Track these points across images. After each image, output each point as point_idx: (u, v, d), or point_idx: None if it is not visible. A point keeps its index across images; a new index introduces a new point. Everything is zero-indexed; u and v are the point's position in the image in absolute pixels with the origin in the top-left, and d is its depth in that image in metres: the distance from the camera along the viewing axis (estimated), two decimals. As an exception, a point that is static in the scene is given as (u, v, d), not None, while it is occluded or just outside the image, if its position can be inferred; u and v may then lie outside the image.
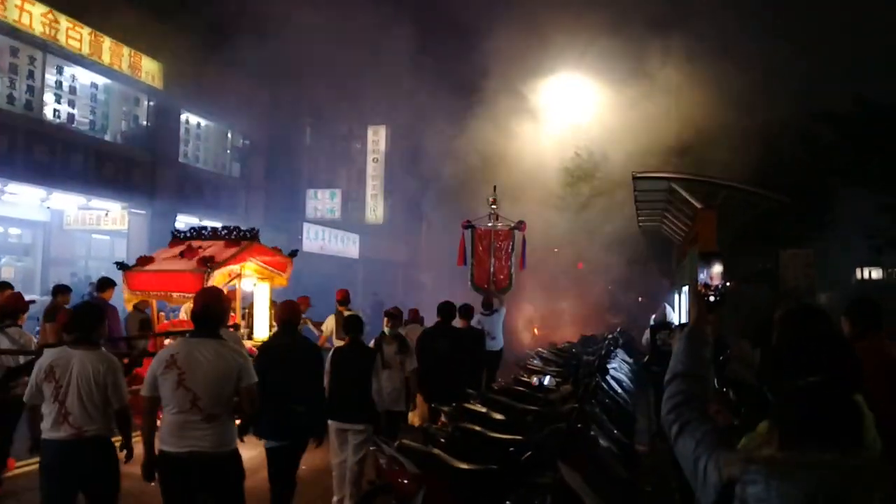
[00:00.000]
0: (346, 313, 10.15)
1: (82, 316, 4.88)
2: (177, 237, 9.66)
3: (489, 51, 23.53)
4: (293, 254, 10.34)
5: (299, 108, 28.42)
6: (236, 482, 4.48)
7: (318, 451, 7.53)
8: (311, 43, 26.35)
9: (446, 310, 8.11)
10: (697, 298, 2.60)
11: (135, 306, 9.53)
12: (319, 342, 9.27)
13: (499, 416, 6.27)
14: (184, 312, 8.65)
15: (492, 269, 13.03)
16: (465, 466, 4.53)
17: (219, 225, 22.23)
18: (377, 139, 33.04)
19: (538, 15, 23.80)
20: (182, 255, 8.86)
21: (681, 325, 12.22)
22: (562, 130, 22.79)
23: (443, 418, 6.14)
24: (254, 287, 10.28)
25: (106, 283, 9.78)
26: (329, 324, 10.18)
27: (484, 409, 6.45)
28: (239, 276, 9.44)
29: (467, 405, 6.53)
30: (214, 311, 4.52)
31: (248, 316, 10.11)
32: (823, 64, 16.90)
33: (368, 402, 6.27)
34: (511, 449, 5.02)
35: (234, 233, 9.27)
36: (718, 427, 2.20)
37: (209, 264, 8.27)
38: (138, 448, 4.70)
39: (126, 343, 8.74)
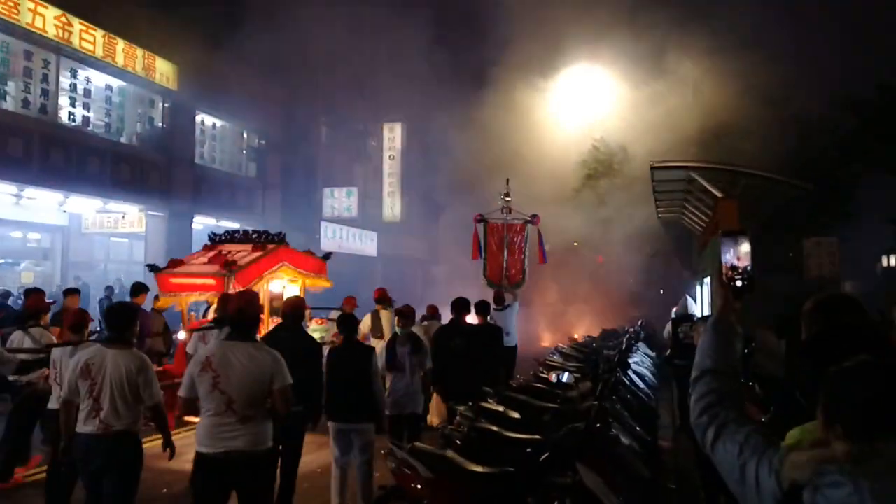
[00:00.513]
0: (383, 312, 10.40)
1: (116, 316, 4.99)
2: (211, 241, 10.07)
3: (504, 44, 23.35)
4: (326, 256, 10.72)
5: (315, 107, 28.35)
6: (269, 482, 4.63)
7: (318, 453, 7.46)
8: (325, 41, 26.30)
9: (460, 306, 7.89)
10: (722, 284, 2.33)
11: (155, 309, 9.95)
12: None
13: (516, 415, 6.09)
14: (212, 312, 8.73)
15: (504, 264, 12.80)
16: (479, 469, 4.35)
17: (236, 226, 22.34)
18: (393, 136, 32.94)
19: (554, 7, 23.57)
20: (210, 260, 9.26)
21: (703, 318, 11.97)
22: (580, 123, 22.54)
23: (459, 418, 5.96)
24: (283, 289, 10.41)
25: (139, 289, 9.97)
26: (366, 322, 10.21)
27: (501, 408, 6.27)
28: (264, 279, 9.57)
29: (484, 404, 6.35)
30: (249, 314, 4.64)
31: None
32: (845, 51, 16.51)
33: (368, 401, 6.08)
34: (528, 450, 4.84)
35: (263, 237, 9.68)
36: (761, 426, 1.96)
37: (231, 268, 8.62)
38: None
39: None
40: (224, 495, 4.40)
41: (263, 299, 9.76)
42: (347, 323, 6.58)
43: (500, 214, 13.09)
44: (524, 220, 12.96)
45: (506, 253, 12.79)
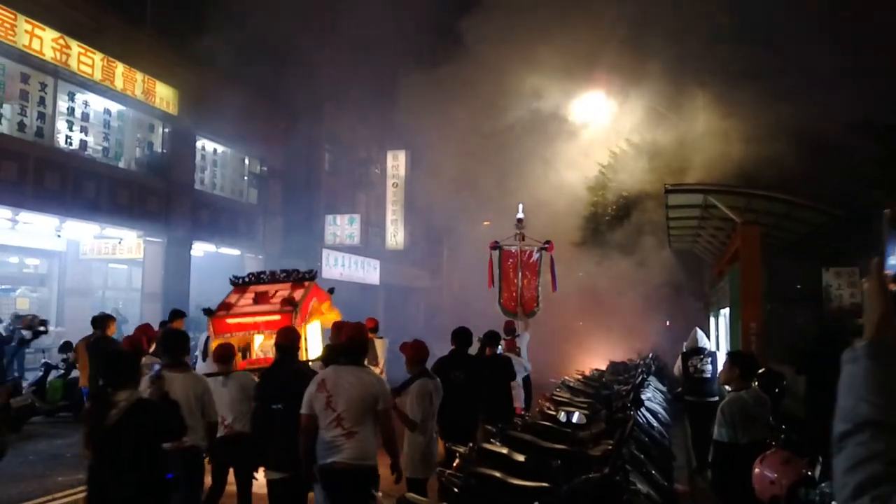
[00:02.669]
0: (377, 340, 10.12)
1: (174, 341, 5.67)
2: (236, 283, 9.82)
3: (509, 71, 23.07)
4: (331, 291, 10.39)
5: (317, 134, 28.11)
6: (370, 494, 4.90)
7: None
8: (328, 68, 26.13)
9: (461, 337, 7.34)
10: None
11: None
12: None
13: (521, 458, 5.53)
14: (260, 350, 8.76)
15: (519, 292, 12.51)
16: (479, 526, 3.81)
17: (237, 252, 21.90)
18: (397, 164, 32.68)
19: (559, 32, 23.32)
20: (256, 300, 9.13)
21: (708, 352, 11.38)
22: (586, 150, 22.17)
23: (458, 461, 5.41)
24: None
25: (177, 314, 10.63)
26: None
27: (505, 450, 5.72)
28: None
29: (486, 445, 5.80)
30: (358, 342, 5.22)
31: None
32: (861, 72, 16.12)
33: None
34: (535, 503, 4.29)
35: (294, 275, 9.62)
36: None
37: (293, 304, 8.63)
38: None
39: None
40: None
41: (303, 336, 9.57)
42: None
43: (514, 241, 12.79)
44: (538, 247, 12.67)
45: (520, 280, 12.52)
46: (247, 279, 9.83)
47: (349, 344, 5.19)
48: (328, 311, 10.02)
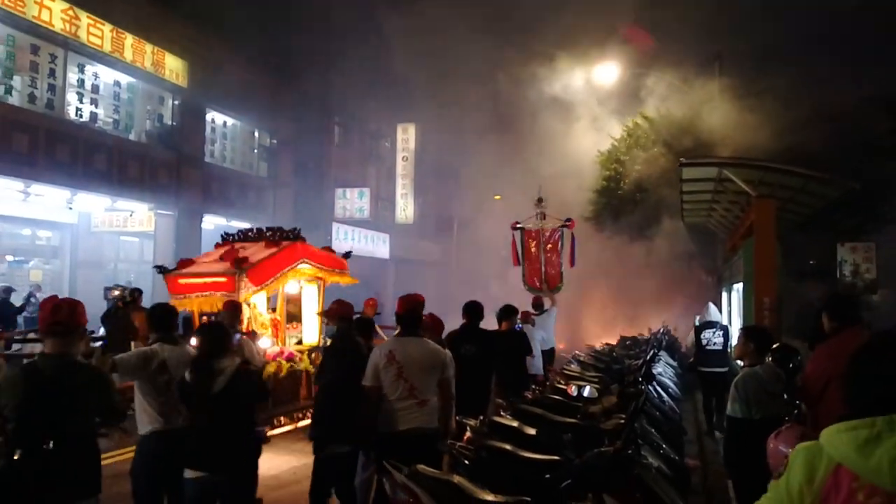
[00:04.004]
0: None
1: (161, 315, 5.17)
2: (225, 239, 9.76)
3: (521, 41, 22.83)
4: (347, 255, 10.39)
5: (327, 106, 27.95)
6: (438, 454, 5.11)
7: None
8: (339, 40, 25.90)
9: (472, 310, 7.30)
10: None
11: None
12: None
13: (532, 431, 5.51)
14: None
15: (543, 269, 12.75)
16: (490, 498, 3.78)
17: (247, 225, 21.98)
18: (406, 137, 32.52)
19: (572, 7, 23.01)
20: (222, 257, 8.89)
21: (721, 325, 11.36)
22: (602, 123, 21.95)
23: (468, 433, 5.39)
24: (300, 290, 10.11)
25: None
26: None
27: (515, 423, 5.69)
28: (282, 277, 9.18)
29: (497, 418, 5.78)
30: (418, 314, 5.37)
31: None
32: (878, 44, 15.82)
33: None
34: (547, 475, 4.26)
35: (277, 234, 9.34)
36: None
37: (242, 265, 8.26)
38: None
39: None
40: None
41: (279, 301, 9.44)
42: (365, 327, 6.38)
43: (535, 220, 13.03)
44: (559, 225, 12.92)
45: (543, 258, 12.79)
46: (234, 236, 9.77)
47: (409, 315, 5.31)
48: (334, 276, 10.02)
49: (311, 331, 10.18)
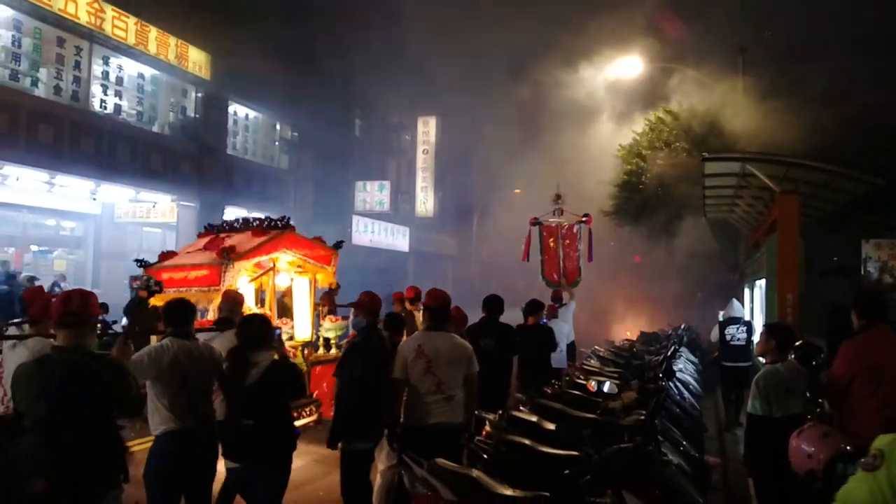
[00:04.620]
0: (416, 313, 9.37)
1: (177, 309, 4.87)
2: (208, 230, 8.99)
3: (542, 34, 22.71)
4: (338, 245, 9.53)
5: (348, 99, 28.01)
6: (461, 448, 5.10)
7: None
8: (360, 33, 25.93)
9: (491, 304, 7.29)
10: None
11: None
12: None
13: (551, 426, 5.50)
14: (212, 312, 7.69)
15: (561, 263, 12.85)
16: (509, 493, 3.78)
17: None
18: (427, 130, 32.53)
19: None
20: (206, 247, 8.19)
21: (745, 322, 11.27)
22: (621, 117, 21.80)
23: (487, 427, 5.39)
24: (291, 282, 9.41)
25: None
26: None
27: (535, 418, 5.69)
28: (271, 269, 8.66)
29: (515, 413, 5.78)
30: (446, 309, 5.39)
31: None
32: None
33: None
34: (566, 470, 4.25)
35: (265, 222, 8.59)
36: None
37: (229, 255, 7.57)
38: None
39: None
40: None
41: (268, 294, 8.77)
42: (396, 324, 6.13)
43: (553, 216, 13.07)
44: (577, 221, 12.98)
45: (561, 253, 12.90)
46: (218, 227, 9.00)
47: (440, 310, 5.33)
48: (316, 270, 9.16)
49: (304, 326, 9.33)
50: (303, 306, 9.36)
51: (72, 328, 3.61)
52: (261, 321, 4.80)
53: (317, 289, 9.51)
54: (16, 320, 6.22)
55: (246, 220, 8.90)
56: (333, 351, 9.59)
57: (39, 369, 3.54)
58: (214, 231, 8.85)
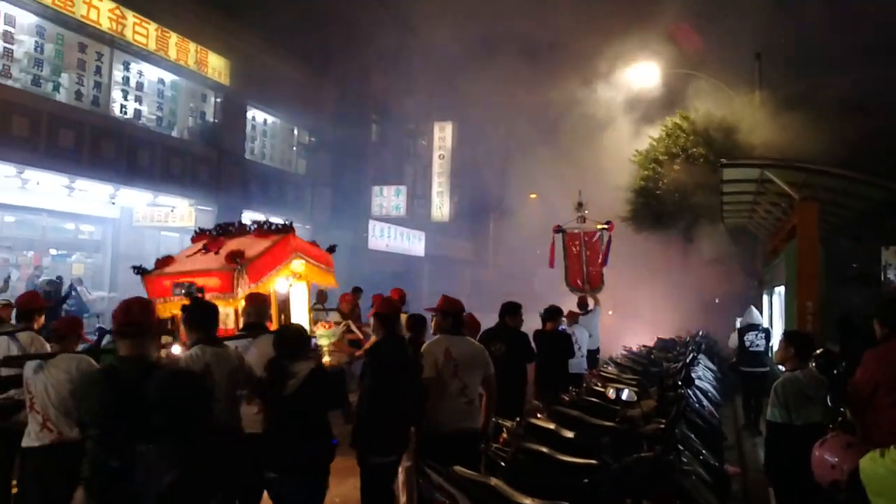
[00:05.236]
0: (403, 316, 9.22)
1: (203, 314, 4.74)
2: (200, 234, 8.18)
3: (561, 41, 22.70)
4: (331, 249, 8.89)
5: (365, 105, 28.09)
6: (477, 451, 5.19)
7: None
8: (377, 39, 26.03)
9: (505, 310, 7.31)
10: None
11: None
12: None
13: (569, 434, 5.48)
14: (231, 320, 7.14)
15: (585, 269, 13.15)
16: (528, 502, 3.77)
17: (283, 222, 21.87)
18: (443, 135, 32.58)
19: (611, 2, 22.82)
20: (206, 250, 7.62)
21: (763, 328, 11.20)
22: (637, 122, 21.73)
23: (505, 435, 5.39)
24: (289, 287, 8.58)
25: None
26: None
27: (552, 426, 5.67)
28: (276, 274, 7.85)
29: (533, 420, 5.77)
30: (462, 315, 5.49)
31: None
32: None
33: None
34: (585, 479, 4.24)
35: (265, 225, 7.99)
36: None
37: (239, 260, 7.02)
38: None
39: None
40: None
41: (273, 300, 7.86)
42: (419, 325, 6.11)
43: (576, 223, 13.36)
44: (599, 227, 13.29)
45: (585, 258, 13.19)
46: (213, 231, 8.25)
47: (454, 313, 5.40)
48: (320, 274, 8.53)
49: None
50: (301, 313, 8.80)
51: (133, 338, 3.50)
52: (296, 331, 4.75)
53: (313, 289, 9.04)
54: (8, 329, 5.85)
55: (242, 223, 8.38)
56: (327, 359, 9.31)
57: (104, 380, 3.47)
58: (207, 234, 8.16)
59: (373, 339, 8.08)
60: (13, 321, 6.36)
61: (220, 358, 4.51)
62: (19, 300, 6.17)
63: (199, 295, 6.57)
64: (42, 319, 6.06)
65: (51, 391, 4.70)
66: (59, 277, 15.86)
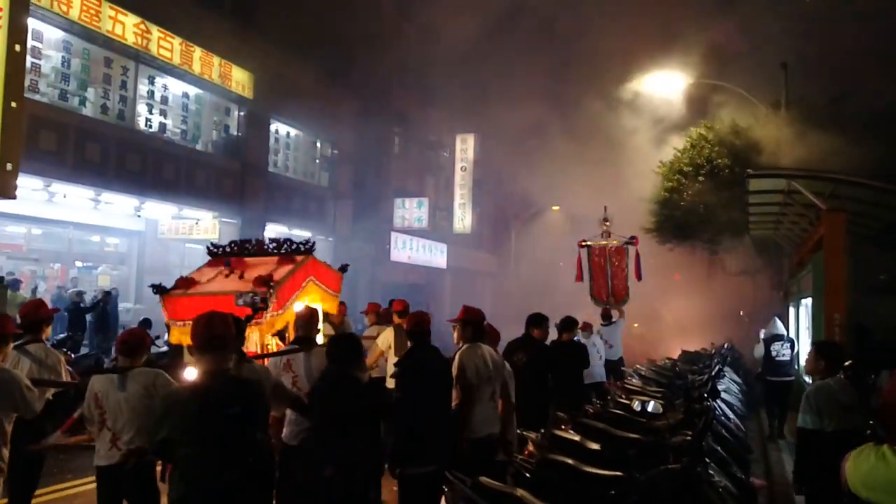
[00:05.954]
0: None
1: (239, 332, 4.63)
2: (214, 252, 7.73)
3: (583, 52, 22.69)
4: (343, 269, 8.48)
5: (387, 117, 28.23)
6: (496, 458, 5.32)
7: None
8: (399, 51, 26.18)
9: (529, 321, 7.34)
10: None
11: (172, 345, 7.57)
12: (371, 359, 8.07)
13: (595, 446, 5.42)
14: (255, 344, 6.79)
15: (610, 283, 13.37)
16: (555, 514, 3.73)
17: (308, 234, 21.94)
18: (465, 147, 32.62)
19: (634, 13, 22.78)
20: (230, 272, 7.25)
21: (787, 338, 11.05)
22: (661, 133, 21.61)
23: (530, 447, 5.34)
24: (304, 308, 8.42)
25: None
26: (386, 338, 8.42)
27: (577, 438, 5.61)
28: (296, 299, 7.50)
29: (558, 432, 5.72)
30: (483, 324, 5.65)
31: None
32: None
33: None
34: (612, 491, 4.18)
35: (285, 246, 7.54)
36: None
37: (270, 284, 6.64)
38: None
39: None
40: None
41: (289, 324, 7.24)
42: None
43: (601, 238, 13.58)
44: (624, 242, 13.47)
45: (610, 272, 13.42)
46: (228, 248, 7.81)
47: (474, 322, 5.55)
48: (325, 299, 8.01)
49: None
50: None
51: (216, 352, 3.48)
52: (350, 339, 4.75)
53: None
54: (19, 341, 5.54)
55: (260, 241, 7.93)
56: None
57: (192, 397, 3.45)
58: (222, 253, 7.75)
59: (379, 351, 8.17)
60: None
61: (260, 373, 4.61)
62: (24, 309, 5.74)
63: (262, 306, 6.46)
64: (49, 330, 5.78)
65: (124, 407, 4.55)
66: (103, 290, 16.06)
